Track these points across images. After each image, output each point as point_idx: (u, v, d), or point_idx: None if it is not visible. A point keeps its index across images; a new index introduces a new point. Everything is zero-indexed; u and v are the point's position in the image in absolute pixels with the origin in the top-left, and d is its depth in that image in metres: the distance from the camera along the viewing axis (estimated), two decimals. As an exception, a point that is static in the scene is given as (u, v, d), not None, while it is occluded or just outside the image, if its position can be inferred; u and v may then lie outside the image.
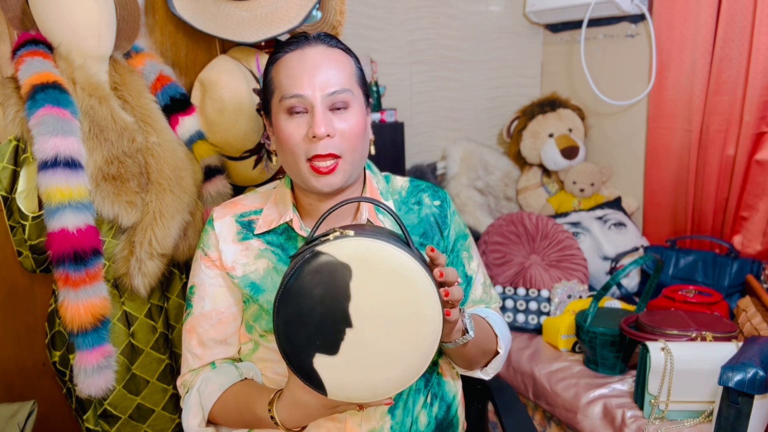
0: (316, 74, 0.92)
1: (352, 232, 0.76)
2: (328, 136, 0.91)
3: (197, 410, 0.97)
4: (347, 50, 0.99)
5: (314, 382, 0.76)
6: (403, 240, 0.82)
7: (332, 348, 0.75)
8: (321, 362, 0.75)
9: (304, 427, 0.89)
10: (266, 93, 0.99)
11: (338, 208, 0.84)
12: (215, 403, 0.97)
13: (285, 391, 0.86)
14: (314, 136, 0.90)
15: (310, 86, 0.92)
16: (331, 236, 0.76)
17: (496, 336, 1.06)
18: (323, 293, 0.74)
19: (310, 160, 0.92)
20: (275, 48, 0.98)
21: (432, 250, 0.80)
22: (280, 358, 0.99)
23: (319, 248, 0.74)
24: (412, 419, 1.00)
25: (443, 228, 1.07)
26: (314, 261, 0.74)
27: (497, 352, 1.06)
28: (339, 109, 0.93)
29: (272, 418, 0.87)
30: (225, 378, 0.99)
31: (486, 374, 1.09)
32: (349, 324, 0.74)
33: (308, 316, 0.74)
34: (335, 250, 0.74)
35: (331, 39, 0.97)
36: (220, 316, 1.02)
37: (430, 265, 0.81)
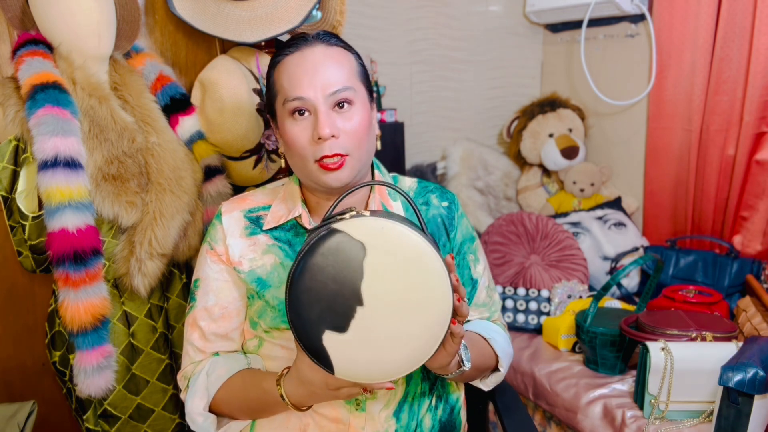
0: (316, 75, 0.92)
1: (368, 213, 0.78)
2: (333, 136, 0.91)
3: (203, 393, 0.97)
4: (347, 47, 0.99)
5: (322, 359, 0.77)
6: (418, 225, 0.82)
7: (342, 325, 0.75)
8: (330, 339, 0.76)
9: (309, 407, 0.90)
10: (270, 96, 0.99)
11: (354, 191, 0.84)
12: (221, 386, 0.97)
13: (292, 367, 0.87)
14: (319, 138, 0.90)
15: (312, 87, 0.91)
16: (347, 215, 0.77)
17: (497, 356, 1.06)
18: (336, 270, 0.75)
19: (318, 160, 0.92)
20: (276, 50, 0.99)
21: (452, 258, 0.81)
22: (285, 355, 1.00)
23: (335, 226, 0.76)
24: (417, 422, 1.00)
25: (450, 230, 1.07)
26: (330, 238, 0.75)
27: (498, 369, 1.07)
28: (342, 107, 0.93)
29: (279, 391, 0.88)
30: (234, 363, 1.00)
31: (486, 385, 1.10)
32: (360, 302, 0.75)
33: (320, 293, 0.75)
34: (351, 228, 0.75)
35: (330, 37, 0.97)
36: (224, 311, 1.02)
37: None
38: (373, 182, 0.86)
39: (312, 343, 0.76)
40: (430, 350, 0.77)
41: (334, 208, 0.84)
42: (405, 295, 0.75)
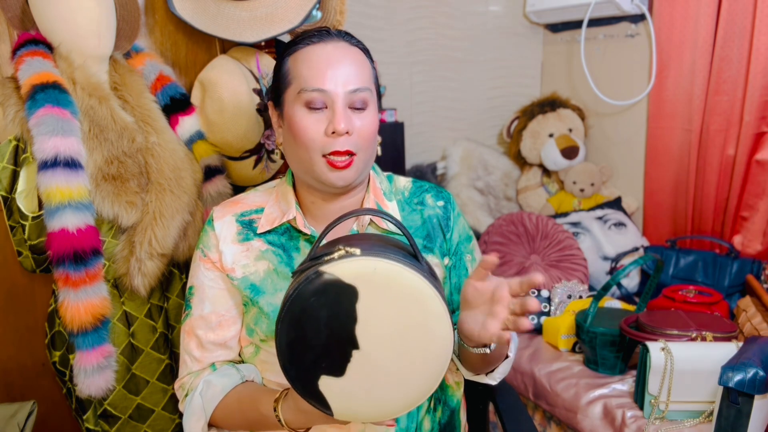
0: (338, 69, 0.91)
1: (358, 251, 0.73)
2: (347, 133, 0.91)
3: (200, 414, 0.96)
4: (365, 50, 0.99)
5: (320, 402, 0.75)
6: (411, 253, 0.80)
7: (338, 370, 0.73)
8: (327, 384, 0.74)
9: (308, 429, 0.89)
10: (279, 84, 0.97)
11: (341, 222, 0.81)
12: (217, 406, 0.96)
13: (289, 395, 0.86)
14: (334, 132, 0.90)
15: (333, 81, 0.91)
16: (335, 255, 0.73)
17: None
18: (328, 315, 0.71)
19: (326, 155, 0.91)
20: (294, 40, 0.97)
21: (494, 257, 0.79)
22: None
23: (324, 268, 0.71)
24: (417, 425, 0.99)
25: (446, 230, 1.06)
26: (318, 282, 0.71)
27: (506, 356, 1.06)
28: (358, 108, 0.93)
29: (277, 417, 0.87)
30: (227, 380, 0.98)
31: (493, 379, 1.07)
32: (355, 346, 0.72)
33: (313, 339, 0.72)
34: (341, 270, 0.71)
35: (351, 37, 0.97)
36: (220, 319, 1.01)
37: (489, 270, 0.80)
38: (359, 212, 0.82)
39: (308, 388, 0.74)
40: (431, 388, 0.76)
41: (322, 238, 0.79)
42: (402, 336, 0.73)
